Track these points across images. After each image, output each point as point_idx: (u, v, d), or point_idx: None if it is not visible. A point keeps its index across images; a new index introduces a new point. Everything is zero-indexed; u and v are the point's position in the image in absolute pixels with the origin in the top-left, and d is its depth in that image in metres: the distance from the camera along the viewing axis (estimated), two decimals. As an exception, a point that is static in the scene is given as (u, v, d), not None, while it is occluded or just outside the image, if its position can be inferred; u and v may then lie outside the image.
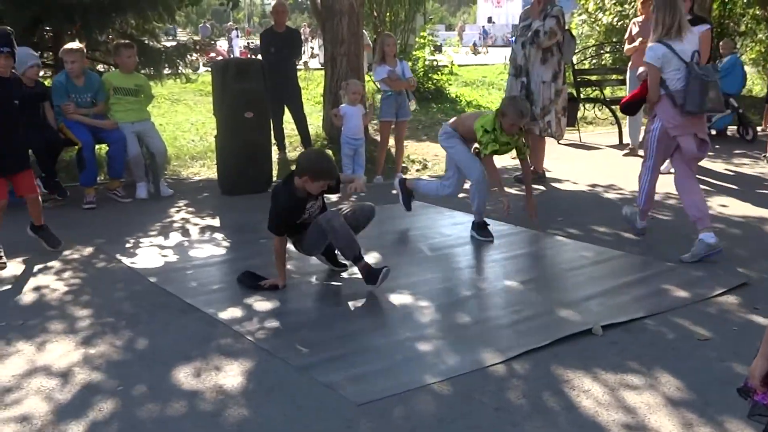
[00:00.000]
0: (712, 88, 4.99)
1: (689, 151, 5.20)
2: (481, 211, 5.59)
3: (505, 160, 8.92)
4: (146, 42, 9.16)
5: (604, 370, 3.38)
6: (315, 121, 10.61)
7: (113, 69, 7.30)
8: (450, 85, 15.47)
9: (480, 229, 5.56)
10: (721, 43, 11.78)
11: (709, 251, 4.90)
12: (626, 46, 8.98)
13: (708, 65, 5.19)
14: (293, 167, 4.54)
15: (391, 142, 8.03)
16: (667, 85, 5.07)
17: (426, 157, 9.09)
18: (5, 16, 7.94)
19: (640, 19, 8.89)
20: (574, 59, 10.75)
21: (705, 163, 8.28)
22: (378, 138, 9.45)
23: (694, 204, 5.11)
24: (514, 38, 7.67)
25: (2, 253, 4.96)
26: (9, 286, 4.56)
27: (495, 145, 5.41)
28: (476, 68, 22.75)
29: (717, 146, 9.41)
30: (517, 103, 5.47)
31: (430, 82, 14.33)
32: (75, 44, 6.74)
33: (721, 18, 15.00)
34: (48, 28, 8.56)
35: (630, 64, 8.93)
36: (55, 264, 4.95)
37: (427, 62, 14.49)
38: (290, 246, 5.33)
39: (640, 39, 8.45)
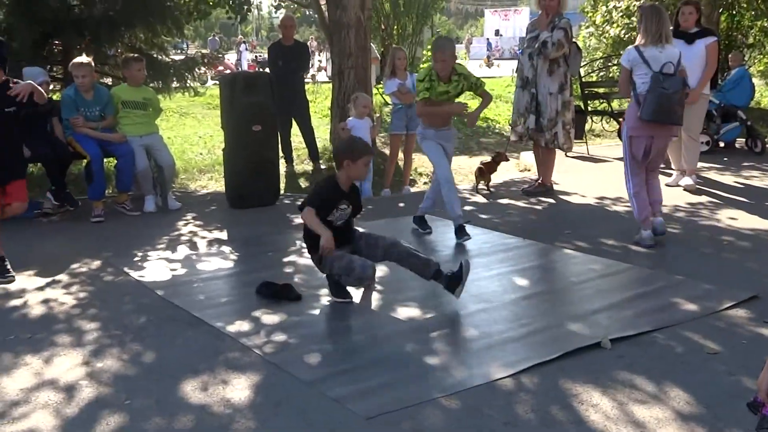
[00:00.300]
0: (668, 100, 5.36)
1: (637, 153, 5.58)
2: (453, 211, 5.79)
3: (512, 173, 8.93)
4: (155, 56, 9.22)
5: (612, 383, 3.36)
6: (322, 134, 10.63)
7: (122, 83, 7.33)
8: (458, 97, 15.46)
9: (459, 231, 5.76)
10: (729, 56, 11.79)
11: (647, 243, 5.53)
12: None
13: (678, 77, 5.47)
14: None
15: (400, 154, 8.04)
16: (636, 87, 5.54)
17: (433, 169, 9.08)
18: (16, 31, 8.02)
19: None
20: (582, 71, 10.75)
21: (713, 175, 8.29)
22: (386, 151, 9.47)
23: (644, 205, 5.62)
24: (521, 50, 7.68)
25: (9, 266, 4.97)
26: (17, 300, 4.57)
27: (426, 93, 5.75)
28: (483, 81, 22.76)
29: (725, 159, 9.41)
30: (438, 40, 6.03)
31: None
32: (84, 58, 6.77)
33: (729, 30, 15.01)
34: (57, 42, 8.62)
35: None
36: (63, 277, 4.97)
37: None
38: (298, 259, 5.34)
39: None
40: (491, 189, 7.76)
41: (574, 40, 7.59)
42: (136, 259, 5.39)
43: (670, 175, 8.07)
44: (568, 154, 9.65)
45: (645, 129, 5.48)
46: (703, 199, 7.19)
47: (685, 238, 5.84)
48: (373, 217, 6.65)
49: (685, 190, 7.52)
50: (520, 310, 4.33)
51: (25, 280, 4.92)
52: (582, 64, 11.22)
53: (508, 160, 8.08)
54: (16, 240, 5.87)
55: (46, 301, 4.55)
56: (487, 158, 8.15)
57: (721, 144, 10.13)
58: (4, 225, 6.30)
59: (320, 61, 27.69)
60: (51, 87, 8.08)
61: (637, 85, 5.52)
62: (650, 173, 5.78)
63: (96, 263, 5.28)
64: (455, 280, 4.36)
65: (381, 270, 5.08)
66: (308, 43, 19.38)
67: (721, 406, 3.14)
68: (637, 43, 5.59)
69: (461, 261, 4.42)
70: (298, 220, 6.56)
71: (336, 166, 4.54)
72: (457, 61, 6.00)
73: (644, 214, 5.61)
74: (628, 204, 6.99)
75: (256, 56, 33.27)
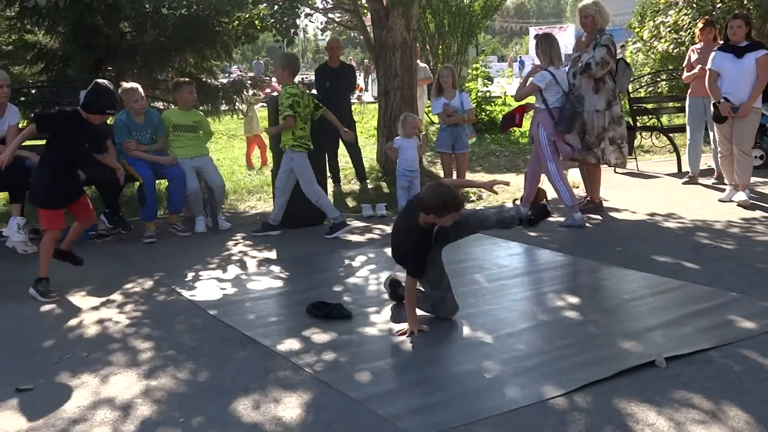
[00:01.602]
0: (578, 117, 6.87)
1: (565, 153, 7.02)
2: None
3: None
4: (204, 79, 9.39)
5: (668, 403, 3.29)
6: (369, 154, 10.68)
7: (172, 106, 7.47)
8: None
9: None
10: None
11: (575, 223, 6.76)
12: (685, 74, 8.86)
13: (580, 95, 6.92)
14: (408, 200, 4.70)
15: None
16: (548, 102, 6.87)
17: (481, 189, 9.05)
18: (72, 58, 8.25)
19: (699, 46, 8.77)
20: (630, 87, 10.63)
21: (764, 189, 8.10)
22: (432, 170, 9.48)
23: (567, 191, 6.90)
24: (566, 68, 7.62)
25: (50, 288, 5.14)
26: (73, 320, 4.66)
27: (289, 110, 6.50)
28: (529, 99, 22.68)
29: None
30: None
31: (483, 113, 14.33)
32: (133, 84, 6.93)
33: (781, 42, 14.70)
34: (111, 68, 8.84)
35: (689, 91, 8.79)
36: (117, 297, 5.06)
37: (480, 93, 14.52)
38: (347, 278, 5.35)
39: (699, 66, 8.34)
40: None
41: (621, 56, 7.51)
42: (188, 278, 5.47)
43: (723, 190, 7.93)
44: (617, 170, 9.53)
45: (558, 135, 6.88)
46: (758, 214, 7.04)
47: (740, 254, 5.71)
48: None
49: (738, 205, 7.37)
50: (571, 329, 4.28)
51: (80, 300, 5.02)
52: (630, 79, 11.12)
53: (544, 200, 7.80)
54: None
55: (101, 321, 4.64)
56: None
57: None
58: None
59: (367, 82, 27.83)
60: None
61: (548, 100, 6.85)
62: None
63: (149, 283, 5.37)
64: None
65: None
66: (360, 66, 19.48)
67: (782, 426, 3.06)
68: (544, 66, 6.91)
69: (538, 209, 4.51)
70: (346, 240, 6.60)
71: (421, 208, 4.19)
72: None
73: (574, 200, 6.91)
74: (681, 220, 6.91)
75: (302, 78, 33.64)
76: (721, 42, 7.86)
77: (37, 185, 5.17)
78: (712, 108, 7.64)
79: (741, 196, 7.46)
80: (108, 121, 7.87)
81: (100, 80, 5.15)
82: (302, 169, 6.77)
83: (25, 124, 8.54)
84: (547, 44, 6.97)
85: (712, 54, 7.64)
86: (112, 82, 5.36)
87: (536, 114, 7.07)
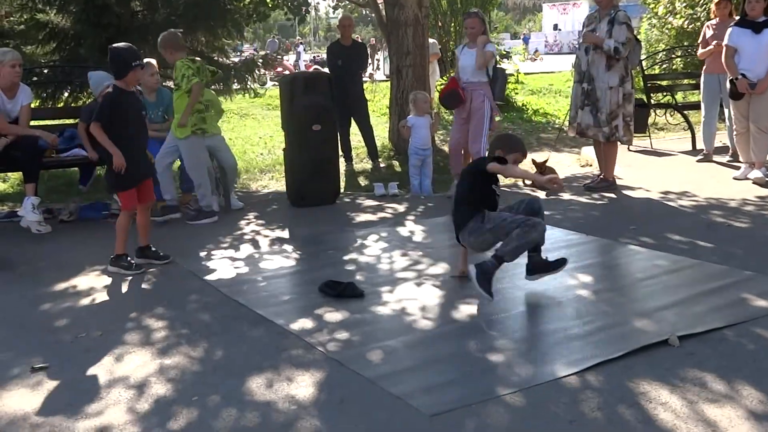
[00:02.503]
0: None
1: (494, 125, 7.34)
2: None
3: (574, 168, 8.82)
4: (215, 58, 9.37)
5: (681, 382, 3.28)
6: (381, 133, 10.66)
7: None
8: (516, 93, 15.35)
9: None
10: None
11: None
12: (700, 50, 8.76)
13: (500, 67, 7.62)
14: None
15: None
16: (489, 74, 7.20)
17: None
18: (83, 38, 8.25)
19: (714, 21, 8.67)
20: (644, 64, 10.53)
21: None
22: (444, 148, 9.44)
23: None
24: (579, 42, 7.57)
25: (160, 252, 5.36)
26: (87, 298, 4.70)
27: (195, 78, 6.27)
28: (542, 76, 22.53)
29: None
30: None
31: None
32: (147, 59, 6.92)
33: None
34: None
35: (704, 68, 8.70)
36: (130, 277, 5.08)
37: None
38: (359, 257, 5.36)
39: (714, 42, 8.24)
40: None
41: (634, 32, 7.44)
42: (201, 258, 5.49)
43: (738, 168, 7.86)
44: (630, 148, 9.47)
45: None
46: (774, 192, 6.98)
47: (754, 232, 5.67)
48: (434, 215, 6.64)
49: (754, 183, 7.32)
50: (584, 307, 4.27)
51: (94, 280, 5.05)
52: (644, 56, 11.01)
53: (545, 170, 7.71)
54: (86, 241, 6.04)
55: (114, 300, 4.68)
56: (540, 157, 8.07)
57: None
58: (71, 226, 6.50)
59: (378, 60, 27.75)
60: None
61: (489, 73, 7.21)
62: None
63: (162, 262, 5.39)
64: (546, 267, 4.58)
65: (442, 268, 5.08)
66: (367, 44, 19.45)
67: (796, 405, 3.05)
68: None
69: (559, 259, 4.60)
70: (359, 219, 6.61)
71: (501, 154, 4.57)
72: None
73: None
74: (695, 198, 6.86)
75: (314, 56, 33.57)
76: (738, 17, 7.76)
77: (111, 171, 5.11)
78: (728, 84, 7.55)
79: (756, 173, 7.39)
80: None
81: (112, 45, 5.14)
82: (190, 150, 6.54)
83: (37, 104, 8.59)
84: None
85: (729, 29, 7.54)
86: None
87: (480, 88, 7.18)
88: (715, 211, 6.35)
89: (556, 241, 5.58)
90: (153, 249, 5.37)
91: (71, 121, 7.48)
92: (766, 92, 7.27)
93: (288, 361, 3.65)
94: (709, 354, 3.55)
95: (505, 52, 16.30)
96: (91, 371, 3.61)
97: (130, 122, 5.12)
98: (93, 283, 4.98)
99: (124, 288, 4.89)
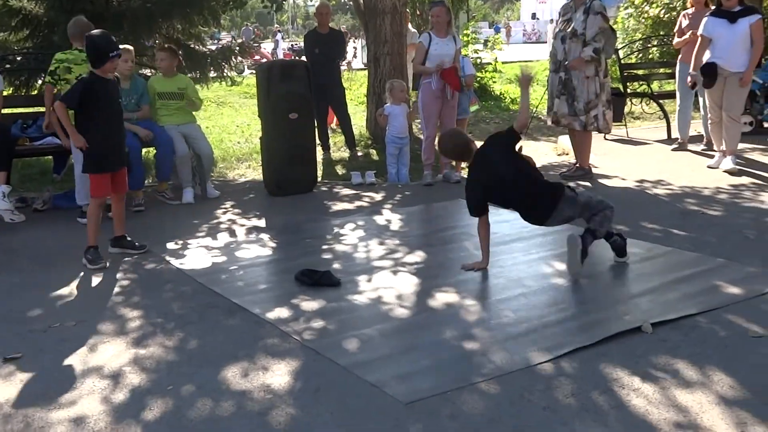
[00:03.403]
0: None
1: None
2: None
3: (551, 157, 8.86)
4: (192, 46, 9.29)
5: (654, 368, 3.32)
6: (359, 121, 10.65)
7: (158, 73, 7.38)
8: (494, 82, 15.38)
9: None
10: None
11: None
12: (675, 39, 8.81)
13: None
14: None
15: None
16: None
17: (471, 155, 9.04)
18: (57, 24, 8.14)
19: (690, 11, 8.71)
20: (621, 53, 10.58)
21: (757, 156, 8.13)
22: (421, 137, 9.44)
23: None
24: (557, 30, 7.58)
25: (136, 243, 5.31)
26: (62, 289, 4.65)
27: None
28: (520, 65, 22.57)
29: (769, 139, 9.20)
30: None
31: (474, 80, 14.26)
32: (124, 45, 6.84)
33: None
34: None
35: (680, 56, 8.75)
36: (95, 270, 5.02)
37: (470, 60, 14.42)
38: (336, 245, 5.36)
39: (690, 32, 8.28)
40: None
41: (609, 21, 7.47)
42: (177, 247, 5.46)
43: (712, 156, 7.93)
44: (606, 137, 9.52)
45: None
46: (746, 180, 7.06)
47: (727, 220, 5.74)
48: (411, 203, 6.65)
49: (725, 171, 7.38)
50: (559, 295, 4.30)
51: (68, 269, 5.00)
52: (621, 45, 11.05)
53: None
54: (60, 230, 5.98)
55: (89, 290, 4.64)
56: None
57: (765, 124, 9.91)
58: (45, 216, 6.44)
59: (355, 48, 27.64)
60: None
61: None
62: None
63: (137, 251, 5.35)
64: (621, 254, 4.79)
65: (418, 256, 5.09)
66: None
67: (766, 390, 3.09)
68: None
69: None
70: (336, 207, 6.60)
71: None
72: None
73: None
74: (670, 186, 6.92)
75: (292, 45, 33.38)
76: (714, 7, 7.81)
77: (84, 153, 5.10)
78: (700, 74, 7.59)
79: (728, 162, 7.46)
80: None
81: (89, 33, 5.08)
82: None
83: (11, 92, 8.48)
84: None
85: (705, 19, 7.58)
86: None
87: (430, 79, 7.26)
88: (689, 200, 6.41)
89: (533, 229, 5.59)
90: (128, 239, 5.32)
91: (44, 109, 7.37)
92: (739, 82, 7.32)
93: (264, 350, 3.65)
94: (681, 341, 3.60)
95: (483, 41, 16.30)
96: (65, 361, 3.59)
97: (102, 109, 5.05)
98: (67, 273, 4.94)
99: (99, 277, 4.85)
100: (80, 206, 6.21)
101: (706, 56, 7.47)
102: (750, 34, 7.24)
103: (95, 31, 5.10)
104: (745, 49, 7.26)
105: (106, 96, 5.07)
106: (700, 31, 7.59)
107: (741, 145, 7.76)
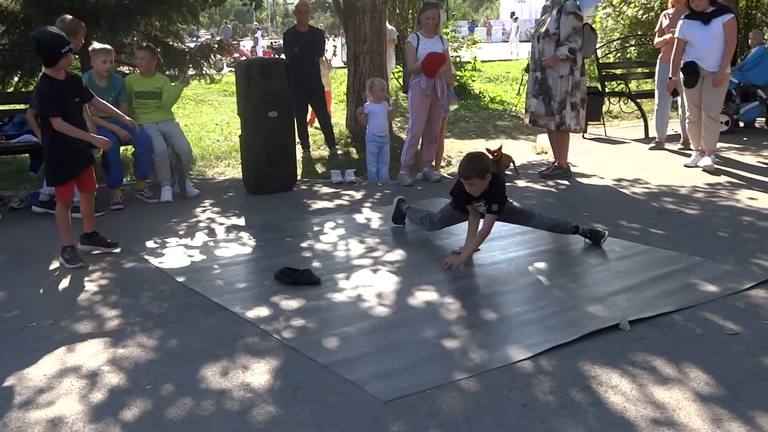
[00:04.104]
0: None
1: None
2: None
3: (529, 155, 8.91)
4: (170, 43, 9.24)
5: (631, 365, 3.35)
6: (339, 120, 10.64)
7: (136, 71, 7.33)
8: (474, 81, 15.42)
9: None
10: (749, 34, 11.63)
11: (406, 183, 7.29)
12: (656, 39, 8.87)
13: None
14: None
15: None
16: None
17: (450, 154, 9.08)
18: (33, 21, 8.06)
19: (671, 11, 8.77)
20: (599, 53, 10.65)
21: (733, 155, 8.22)
22: (402, 135, 9.46)
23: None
24: (534, 31, 7.62)
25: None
26: (39, 287, 4.62)
27: None
28: (499, 64, 22.66)
29: (745, 138, 9.31)
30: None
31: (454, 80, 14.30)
32: (106, 45, 6.79)
33: (749, 9, 14.80)
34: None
35: (660, 56, 8.81)
36: (73, 269, 4.98)
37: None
38: (316, 244, 5.36)
39: (672, 31, 8.33)
40: (510, 173, 7.66)
41: (587, 21, 7.51)
42: (156, 245, 5.43)
43: (689, 155, 8.01)
44: (585, 135, 9.59)
45: None
46: (722, 179, 7.13)
47: (704, 219, 5.80)
48: (391, 202, 6.65)
49: (704, 170, 7.46)
50: (538, 293, 4.33)
51: (45, 268, 4.97)
52: (599, 45, 11.12)
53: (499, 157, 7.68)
54: (37, 228, 5.93)
55: (67, 289, 4.60)
56: (494, 145, 8.09)
57: (741, 124, 10.03)
58: (22, 214, 6.38)
59: (335, 46, 27.62)
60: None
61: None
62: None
63: (115, 250, 5.32)
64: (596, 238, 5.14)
65: (398, 254, 5.10)
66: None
67: (741, 386, 3.13)
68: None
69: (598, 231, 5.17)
70: (315, 206, 6.59)
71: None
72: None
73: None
74: (647, 185, 6.98)
75: (271, 42, 33.28)
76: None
77: (49, 164, 5.01)
78: (681, 74, 7.66)
79: (706, 161, 7.54)
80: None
81: (33, 34, 4.92)
82: None
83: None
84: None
85: (680, 23, 7.65)
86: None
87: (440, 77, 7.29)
88: (667, 198, 6.47)
89: (511, 227, 5.63)
90: (100, 235, 5.27)
91: (21, 106, 7.33)
92: (712, 82, 7.39)
93: (243, 349, 3.64)
94: (659, 338, 3.63)
95: (462, 40, 16.33)
96: (42, 361, 3.56)
97: (69, 111, 4.93)
98: (44, 272, 4.90)
99: (78, 276, 4.81)
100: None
101: (685, 57, 7.53)
102: (723, 33, 7.31)
103: (40, 30, 4.91)
104: (720, 49, 7.33)
105: (64, 98, 4.92)
106: (676, 34, 7.65)
107: (717, 144, 7.83)
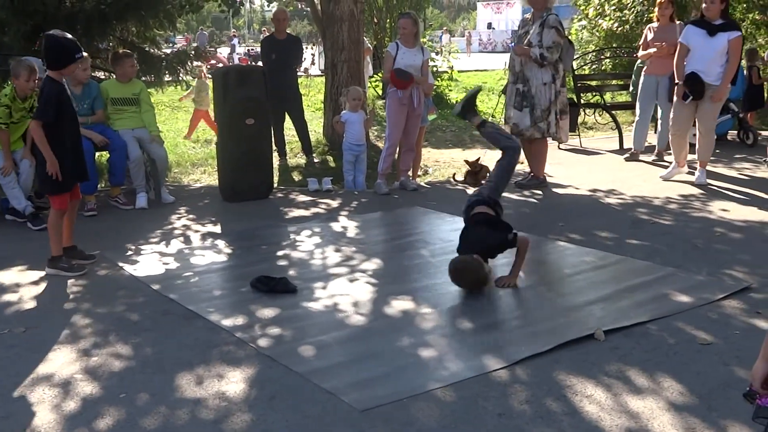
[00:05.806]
0: None
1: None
2: None
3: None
4: (147, 49, 9.19)
5: (606, 375, 3.38)
6: (316, 128, 10.63)
7: (113, 76, 7.28)
8: (450, 91, 15.49)
9: None
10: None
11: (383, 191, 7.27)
12: (640, 52, 8.90)
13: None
14: None
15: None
16: None
17: (427, 163, 9.10)
18: (7, 25, 7.98)
19: (655, 24, 8.79)
20: (574, 64, 10.74)
21: (706, 167, 8.29)
22: (378, 144, 9.47)
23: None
24: (513, 44, 7.67)
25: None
26: (11, 294, 4.56)
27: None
28: (476, 74, 22.78)
29: (717, 150, 9.40)
30: (21, 61, 6.05)
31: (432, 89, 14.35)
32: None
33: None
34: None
35: (644, 69, 8.81)
36: (57, 272, 4.94)
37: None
38: (292, 252, 5.34)
39: (657, 44, 8.35)
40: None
41: (565, 35, 7.57)
42: (130, 253, 5.39)
43: (663, 167, 8.09)
44: (561, 146, 9.66)
45: None
46: (696, 191, 7.22)
47: (677, 229, 5.86)
48: (367, 210, 6.65)
49: (695, 185, 7.40)
50: (514, 302, 4.35)
51: (18, 275, 4.91)
52: (575, 57, 11.22)
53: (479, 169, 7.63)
54: (11, 236, 5.86)
55: (40, 296, 4.55)
56: (473, 156, 8.10)
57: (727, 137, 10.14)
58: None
59: (313, 55, 27.62)
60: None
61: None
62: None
63: (89, 262, 5.26)
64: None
65: (374, 263, 5.10)
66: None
67: (714, 396, 3.16)
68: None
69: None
70: (292, 214, 6.58)
71: None
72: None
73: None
74: (622, 196, 7.04)
75: (248, 50, 33.22)
76: (683, 21, 7.87)
77: (46, 173, 4.84)
78: (675, 86, 7.59)
79: (701, 177, 7.49)
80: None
81: (49, 33, 4.85)
82: None
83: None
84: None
85: (686, 27, 7.58)
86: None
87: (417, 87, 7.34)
88: (641, 209, 6.54)
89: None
90: (78, 249, 5.19)
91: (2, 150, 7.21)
92: (710, 98, 7.33)
93: (219, 358, 3.62)
94: (633, 348, 3.66)
95: (439, 49, 16.43)
96: (13, 369, 3.51)
97: (62, 119, 4.83)
98: (18, 279, 4.84)
99: (51, 284, 4.76)
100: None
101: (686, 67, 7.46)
102: (728, 49, 7.24)
103: (56, 32, 4.84)
104: (720, 64, 7.23)
105: (66, 104, 4.87)
106: (680, 39, 7.53)
107: (690, 156, 7.91)
